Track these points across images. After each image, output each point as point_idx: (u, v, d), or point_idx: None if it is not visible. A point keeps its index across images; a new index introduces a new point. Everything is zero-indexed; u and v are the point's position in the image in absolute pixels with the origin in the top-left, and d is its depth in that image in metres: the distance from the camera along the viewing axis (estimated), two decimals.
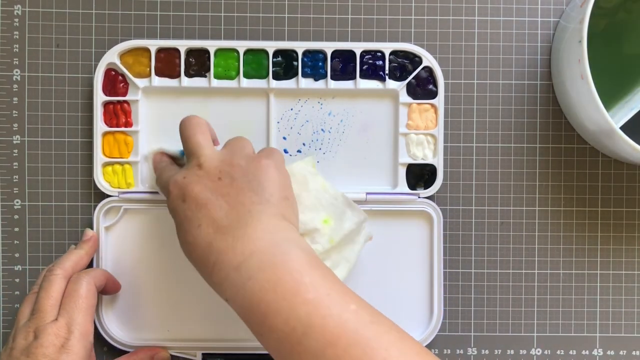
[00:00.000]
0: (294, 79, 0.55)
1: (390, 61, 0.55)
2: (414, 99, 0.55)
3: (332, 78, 0.55)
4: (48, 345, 0.48)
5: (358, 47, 0.55)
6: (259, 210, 0.46)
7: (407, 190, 0.56)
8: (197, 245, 0.46)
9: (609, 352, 0.57)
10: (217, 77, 0.55)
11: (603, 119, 0.49)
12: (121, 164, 0.56)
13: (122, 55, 0.55)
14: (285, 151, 0.56)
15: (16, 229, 0.56)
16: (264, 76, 0.55)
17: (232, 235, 0.45)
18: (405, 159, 0.56)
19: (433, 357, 0.42)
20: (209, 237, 0.46)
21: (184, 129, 0.50)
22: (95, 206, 0.56)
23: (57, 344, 0.48)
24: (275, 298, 0.43)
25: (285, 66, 0.55)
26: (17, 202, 0.56)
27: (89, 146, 0.56)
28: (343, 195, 0.53)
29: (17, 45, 0.56)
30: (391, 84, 0.55)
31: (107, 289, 0.54)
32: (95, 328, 0.54)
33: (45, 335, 0.48)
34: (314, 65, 0.55)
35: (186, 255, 0.48)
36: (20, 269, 0.57)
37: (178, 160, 0.54)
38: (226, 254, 0.45)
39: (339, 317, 0.42)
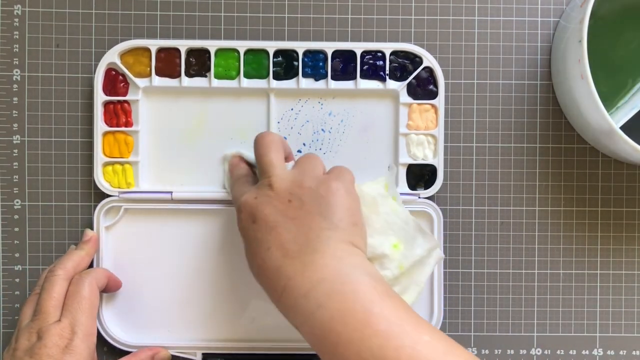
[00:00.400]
0: (294, 79, 0.55)
1: (391, 61, 0.55)
2: (414, 99, 0.55)
3: (332, 78, 0.55)
4: (52, 346, 0.48)
5: (358, 47, 0.55)
6: (328, 236, 0.45)
7: (408, 190, 0.56)
8: (267, 268, 0.46)
9: (609, 352, 0.57)
10: (217, 77, 0.55)
11: (603, 119, 0.49)
12: (121, 163, 0.56)
13: (123, 55, 0.55)
14: None
15: (16, 229, 0.56)
16: (265, 76, 0.55)
17: (300, 260, 0.45)
18: (405, 159, 0.56)
19: None
20: (277, 261, 0.45)
21: (258, 146, 0.50)
22: (95, 206, 0.56)
23: (61, 345, 0.48)
24: (346, 329, 0.42)
25: (286, 66, 0.56)
26: (17, 202, 0.56)
27: (89, 146, 0.56)
28: (414, 220, 0.51)
29: (17, 45, 0.56)
30: (391, 84, 0.55)
31: (109, 287, 0.54)
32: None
33: (49, 336, 0.48)
34: (315, 65, 0.55)
35: (255, 277, 0.48)
36: (20, 269, 0.56)
37: (254, 168, 0.54)
38: (295, 280, 0.44)
39: (412, 348, 0.41)
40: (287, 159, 0.51)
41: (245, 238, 0.48)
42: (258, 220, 0.47)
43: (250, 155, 0.54)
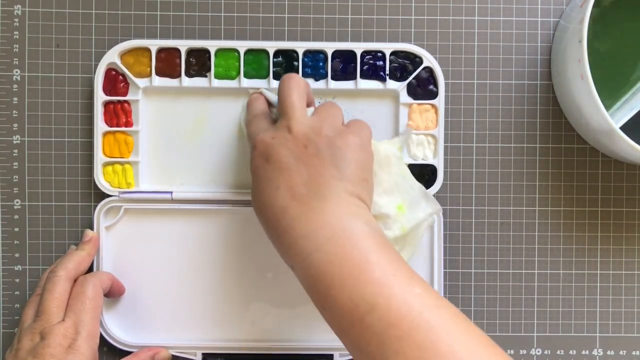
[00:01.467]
0: None
1: (391, 61, 0.55)
2: (414, 99, 0.56)
3: (332, 78, 0.55)
4: (55, 346, 0.48)
5: (359, 48, 0.55)
6: (337, 185, 0.46)
7: None
8: (272, 206, 0.46)
9: (609, 352, 0.57)
10: (217, 77, 0.55)
11: (603, 119, 0.49)
12: (121, 163, 0.56)
13: (123, 55, 0.55)
14: None
15: (16, 229, 0.56)
16: (265, 76, 0.55)
17: (307, 204, 0.45)
18: (405, 159, 0.56)
19: (497, 348, 0.42)
20: (285, 202, 0.46)
21: (282, 87, 0.50)
22: (95, 206, 0.56)
23: (65, 345, 0.48)
24: (341, 273, 0.43)
25: (286, 66, 0.56)
26: (17, 202, 0.56)
27: (89, 146, 0.56)
28: (421, 187, 0.53)
29: (17, 45, 0.56)
30: (392, 84, 0.55)
31: (112, 292, 0.55)
32: None
33: (52, 336, 0.48)
34: (315, 65, 0.55)
35: (258, 214, 0.48)
36: (20, 269, 0.56)
37: (272, 107, 0.53)
38: (298, 221, 0.45)
39: (403, 298, 0.42)
40: (309, 105, 0.51)
41: (255, 175, 0.48)
42: (272, 159, 0.47)
43: (271, 95, 0.53)
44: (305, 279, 0.45)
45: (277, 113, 0.50)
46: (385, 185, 0.51)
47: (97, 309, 0.51)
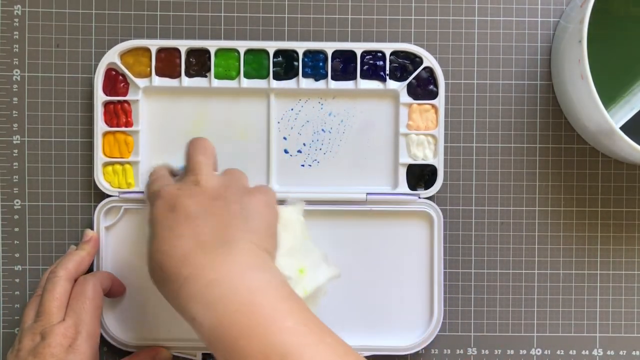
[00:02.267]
0: (294, 79, 0.55)
1: (391, 61, 0.55)
2: (414, 99, 0.56)
3: (332, 78, 0.55)
4: (56, 346, 0.48)
5: (359, 48, 0.55)
6: (244, 237, 0.46)
7: (408, 190, 0.56)
8: (172, 256, 0.45)
9: (609, 352, 0.57)
10: (217, 77, 0.55)
11: (603, 119, 0.49)
12: (121, 163, 0.56)
13: (123, 55, 0.55)
14: (286, 151, 0.56)
15: (16, 229, 0.56)
16: (265, 76, 0.55)
17: (213, 252, 0.45)
18: (405, 160, 0.56)
19: None
20: (187, 250, 0.45)
21: (190, 147, 0.51)
22: (95, 206, 0.56)
23: (65, 344, 0.48)
24: (249, 323, 0.42)
25: (286, 66, 0.56)
26: (17, 202, 0.56)
27: (89, 146, 0.56)
28: (320, 251, 0.53)
29: (17, 45, 0.56)
30: (392, 84, 0.55)
31: (112, 292, 0.54)
32: None
33: (52, 335, 0.48)
34: (315, 65, 0.55)
35: (153, 266, 0.46)
36: (20, 269, 0.56)
37: (176, 178, 0.54)
38: (202, 269, 0.44)
39: (316, 347, 0.41)
40: (214, 169, 0.52)
41: (156, 226, 0.47)
42: (178, 209, 0.47)
43: (176, 166, 0.55)
44: (209, 330, 0.43)
45: (182, 174, 0.51)
46: (288, 246, 0.51)
47: (98, 309, 0.51)
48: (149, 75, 0.55)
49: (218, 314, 0.43)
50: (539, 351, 0.57)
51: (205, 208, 0.47)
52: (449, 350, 0.57)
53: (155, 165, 0.55)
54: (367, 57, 0.55)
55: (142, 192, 0.55)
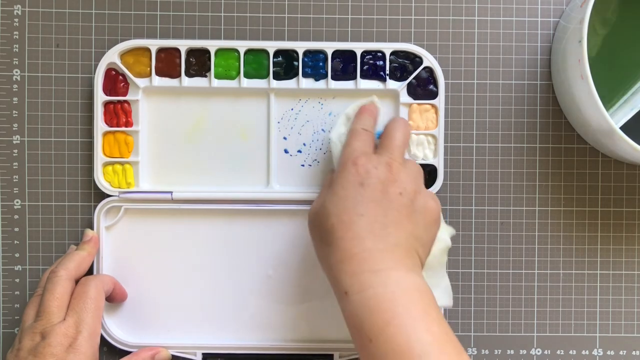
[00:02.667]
0: (294, 79, 0.55)
1: (391, 61, 0.55)
2: (414, 99, 0.56)
3: (332, 78, 0.55)
4: (56, 345, 0.48)
5: (359, 47, 0.55)
6: (411, 242, 0.47)
7: None
8: (349, 230, 0.46)
9: (609, 352, 0.57)
10: (217, 77, 0.55)
11: (603, 119, 0.49)
12: (121, 163, 0.56)
13: (123, 55, 0.55)
14: (286, 151, 0.56)
15: (16, 229, 0.56)
16: (265, 76, 0.55)
17: (383, 242, 0.46)
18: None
19: None
20: (363, 231, 0.46)
21: (393, 122, 0.52)
22: (95, 206, 0.56)
23: (65, 344, 0.48)
24: (405, 313, 0.44)
25: (286, 66, 0.56)
26: (17, 202, 0.56)
27: (89, 146, 0.56)
28: (447, 282, 0.53)
29: (17, 45, 0.56)
30: (392, 84, 0.55)
31: (114, 297, 0.55)
32: None
33: (53, 335, 0.48)
34: (315, 65, 0.55)
35: (324, 225, 0.48)
36: (20, 269, 0.56)
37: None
38: (371, 255, 0.46)
39: (455, 357, 0.43)
40: None
41: (342, 190, 0.48)
42: (368, 187, 0.47)
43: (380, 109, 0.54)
44: (360, 308, 0.45)
45: (378, 141, 0.52)
46: (427, 267, 0.51)
47: (99, 309, 0.51)
48: (149, 75, 0.55)
49: (377, 297, 0.44)
50: (539, 351, 0.57)
51: (390, 199, 0.47)
52: None
53: (369, 101, 0.54)
54: (367, 57, 0.55)
55: (142, 192, 0.55)
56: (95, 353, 0.50)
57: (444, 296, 0.52)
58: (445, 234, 0.52)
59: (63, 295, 0.50)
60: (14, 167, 0.56)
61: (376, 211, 0.47)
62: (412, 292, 0.45)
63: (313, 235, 0.49)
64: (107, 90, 0.55)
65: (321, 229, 0.48)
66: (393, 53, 0.55)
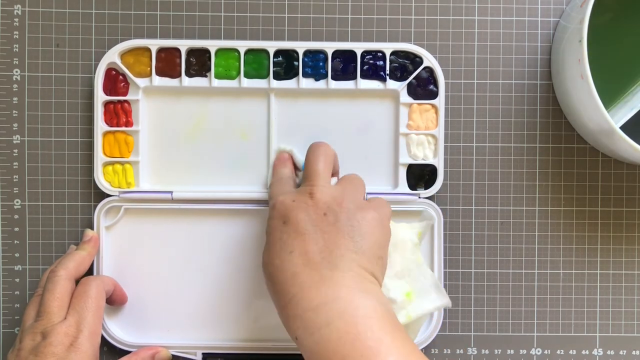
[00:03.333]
0: (294, 79, 0.55)
1: (391, 61, 0.55)
2: (414, 99, 0.56)
3: (332, 78, 0.55)
4: (57, 344, 0.48)
5: (359, 47, 0.55)
6: (352, 258, 0.45)
7: (408, 190, 0.56)
8: (283, 271, 0.45)
9: (609, 352, 0.57)
10: (217, 76, 0.55)
11: (603, 119, 0.49)
12: (122, 163, 0.56)
13: (123, 55, 0.55)
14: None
15: (16, 229, 0.56)
16: (265, 76, 0.55)
17: (319, 273, 0.45)
18: (405, 159, 0.56)
19: None
20: (296, 267, 0.45)
21: (310, 152, 0.51)
22: (95, 206, 0.56)
23: (66, 343, 0.48)
24: (353, 354, 0.41)
25: (286, 66, 0.56)
26: (17, 202, 0.56)
27: (89, 146, 0.56)
28: (433, 277, 0.52)
29: (17, 45, 0.56)
30: (392, 84, 0.55)
31: (114, 298, 0.55)
32: None
33: (54, 334, 0.48)
34: (315, 65, 0.55)
35: (266, 276, 0.47)
36: (20, 269, 0.56)
37: (298, 171, 0.55)
38: (308, 291, 0.44)
39: None
40: (334, 174, 0.52)
41: (270, 236, 0.48)
42: (289, 222, 0.47)
43: (299, 157, 0.55)
44: (311, 354, 0.43)
45: (301, 178, 0.51)
46: (397, 269, 0.50)
47: (100, 309, 0.51)
48: (149, 75, 0.55)
49: (321, 340, 0.42)
50: (539, 351, 0.57)
51: (315, 224, 0.46)
52: (449, 350, 0.57)
53: (280, 150, 0.55)
54: (367, 57, 0.55)
55: (142, 192, 0.56)
56: (96, 352, 0.50)
57: (438, 297, 0.51)
58: (408, 233, 0.51)
59: (63, 294, 0.50)
60: (14, 167, 0.56)
61: (305, 242, 0.46)
62: (361, 320, 0.42)
63: (272, 297, 0.47)
64: (107, 90, 0.55)
65: (266, 282, 0.47)
66: (393, 53, 0.55)
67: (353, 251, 0.46)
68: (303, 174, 0.51)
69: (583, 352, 0.57)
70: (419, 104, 0.56)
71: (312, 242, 0.46)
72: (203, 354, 0.56)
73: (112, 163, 0.56)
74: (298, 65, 0.55)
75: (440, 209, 0.55)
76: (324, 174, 0.49)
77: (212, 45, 0.55)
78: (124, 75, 0.55)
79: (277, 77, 0.55)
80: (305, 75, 0.55)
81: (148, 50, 0.55)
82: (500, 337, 0.57)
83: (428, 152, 0.56)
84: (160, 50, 0.55)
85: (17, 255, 0.56)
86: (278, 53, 0.55)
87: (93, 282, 0.51)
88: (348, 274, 0.45)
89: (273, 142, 0.56)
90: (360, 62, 0.55)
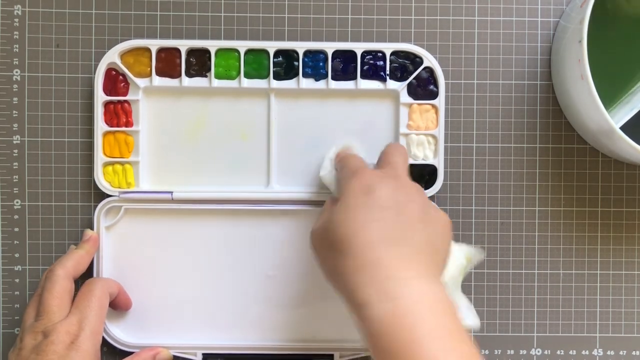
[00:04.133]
0: (294, 79, 0.55)
1: (391, 61, 0.55)
2: (414, 99, 0.56)
3: (333, 78, 0.55)
4: (58, 342, 0.48)
5: (359, 48, 0.55)
6: (424, 246, 0.45)
7: None
8: (363, 235, 0.44)
9: (609, 352, 0.57)
10: (217, 77, 0.55)
11: (603, 119, 0.49)
12: (122, 163, 0.56)
13: (123, 55, 0.55)
14: (286, 151, 0.56)
15: (16, 229, 0.56)
16: (265, 76, 0.55)
17: (398, 249, 0.43)
18: None
19: None
20: (376, 237, 0.44)
21: (390, 147, 0.51)
22: (95, 206, 0.56)
23: (67, 341, 0.48)
24: (435, 324, 0.41)
25: (286, 66, 0.56)
26: (17, 202, 0.56)
27: (89, 146, 0.56)
28: (467, 301, 0.51)
29: (17, 45, 0.56)
30: (392, 84, 0.55)
31: (119, 303, 0.55)
32: None
33: (55, 333, 0.48)
34: (315, 65, 0.55)
35: (332, 236, 0.45)
36: (20, 269, 0.56)
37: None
38: (389, 261, 0.43)
39: None
40: None
41: (349, 199, 0.45)
42: (374, 194, 0.45)
43: (361, 153, 0.53)
44: (381, 322, 0.41)
45: (376, 167, 0.51)
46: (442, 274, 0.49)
47: (103, 309, 0.51)
48: (149, 75, 0.55)
49: (399, 309, 0.41)
50: (539, 351, 0.57)
51: (398, 204, 0.45)
52: None
53: (346, 145, 0.54)
54: (367, 57, 0.55)
55: (142, 192, 0.55)
56: (97, 352, 0.50)
57: (470, 315, 0.50)
58: (460, 253, 0.51)
59: (62, 293, 0.50)
60: (14, 167, 0.56)
61: (389, 216, 0.45)
62: (437, 305, 0.42)
63: (319, 249, 0.46)
64: (107, 90, 0.55)
65: (330, 239, 0.45)
66: (393, 53, 0.55)
67: (431, 243, 0.45)
68: (379, 163, 0.51)
69: (583, 352, 0.57)
70: (419, 104, 0.56)
71: (396, 219, 0.44)
72: (203, 354, 0.56)
73: (112, 163, 0.56)
74: (298, 66, 0.55)
75: (441, 209, 0.55)
76: (404, 166, 0.50)
77: (212, 45, 0.55)
78: (124, 75, 0.55)
79: (277, 77, 0.55)
80: (305, 75, 0.55)
81: (148, 50, 0.55)
82: (500, 337, 0.57)
83: (428, 153, 0.56)
84: (160, 50, 0.55)
85: (16, 255, 0.56)
86: (278, 53, 0.55)
87: (98, 282, 0.52)
88: (426, 261, 0.44)
89: (273, 142, 0.56)
90: (361, 62, 0.55)
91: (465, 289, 0.57)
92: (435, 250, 0.46)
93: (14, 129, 0.56)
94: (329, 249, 0.45)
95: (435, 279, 0.44)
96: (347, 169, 0.49)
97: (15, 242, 0.56)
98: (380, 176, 0.47)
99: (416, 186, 0.48)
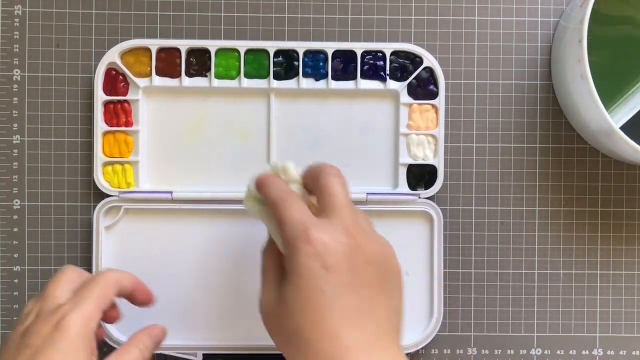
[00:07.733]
0: (294, 79, 0.55)
1: (391, 61, 0.55)
2: (414, 99, 0.56)
3: (333, 78, 0.55)
4: (46, 323, 0.43)
5: (359, 48, 0.55)
6: (390, 318, 0.42)
7: (408, 190, 0.56)
8: (321, 328, 0.40)
9: (609, 352, 0.57)
10: (217, 76, 0.55)
11: (603, 119, 0.49)
12: (121, 163, 0.56)
13: (123, 55, 0.55)
14: (286, 151, 0.56)
15: (15, 229, 0.56)
16: (265, 76, 0.55)
17: (364, 336, 0.40)
18: (405, 160, 0.56)
19: None
20: (338, 326, 0.40)
21: (328, 179, 0.44)
22: (95, 206, 0.55)
23: (53, 321, 0.43)
24: None
25: (286, 66, 0.56)
26: (17, 202, 0.56)
27: (89, 146, 0.56)
28: None
29: (17, 45, 0.56)
30: (392, 84, 0.55)
31: (137, 297, 0.50)
32: None
33: (45, 313, 0.44)
34: (315, 65, 0.56)
35: (285, 320, 0.42)
36: (20, 270, 0.56)
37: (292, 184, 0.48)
38: (349, 351, 0.40)
39: None
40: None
41: (302, 281, 0.41)
42: (333, 271, 0.41)
43: (293, 171, 0.48)
44: None
45: (318, 209, 0.45)
46: None
47: (105, 298, 0.46)
48: (149, 74, 0.55)
49: None
50: (539, 351, 0.57)
51: (357, 275, 0.41)
52: (449, 350, 0.57)
53: (267, 172, 0.48)
54: (368, 57, 0.56)
55: (142, 192, 0.55)
56: (89, 340, 0.44)
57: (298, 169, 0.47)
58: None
59: (64, 282, 0.47)
60: (14, 167, 0.56)
61: (347, 297, 0.40)
62: None
63: (272, 335, 0.43)
64: (107, 90, 0.55)
65: (283, 329, 0.42)
66: (393, 53, 0.55)
67: (391, 309, 0.42)
68: (318, 200, 0.45)
69: (583, 352, 0.57)
70: (419, 104, 0.56)
71: (355, 297, 0.41)
72: (203, 354, 0.55)
73: (112, 163, 0.56)
74: (298, 65, 0.55)
75: (440, 209, 0.55)
76: (349, 202, 0.43)
77: (212, 45, 0.55)
78: (124, 75, 0.55)
79: (277, 77, 0.55)
80: (305, 75, 0.55)
81: (148, 50, 0.55)
82: (500, 337, 0.57)
83: (428, 152, 0.56)
84: (160, 50, 0.55)
85: (15, 255, 0.56)
86: (278, 53, 0.55)
87: (108, 271, 0.48)
88: (389, 338, 0.42)
89: (273, 142, 0.56)
90: (361, 62, 0.55)
91: (466, 289, 0.57)
92: (396, 314, 0.43)
93: (14, 128, 0.56)
94: (284, 340, 0.42)
95: (398, 349, 0.42)
96: (289, 225, 0.43)
97: (14, 242, 0.56)
98: (330, 234, 0.41)
99: (362, 226, 0.44)
